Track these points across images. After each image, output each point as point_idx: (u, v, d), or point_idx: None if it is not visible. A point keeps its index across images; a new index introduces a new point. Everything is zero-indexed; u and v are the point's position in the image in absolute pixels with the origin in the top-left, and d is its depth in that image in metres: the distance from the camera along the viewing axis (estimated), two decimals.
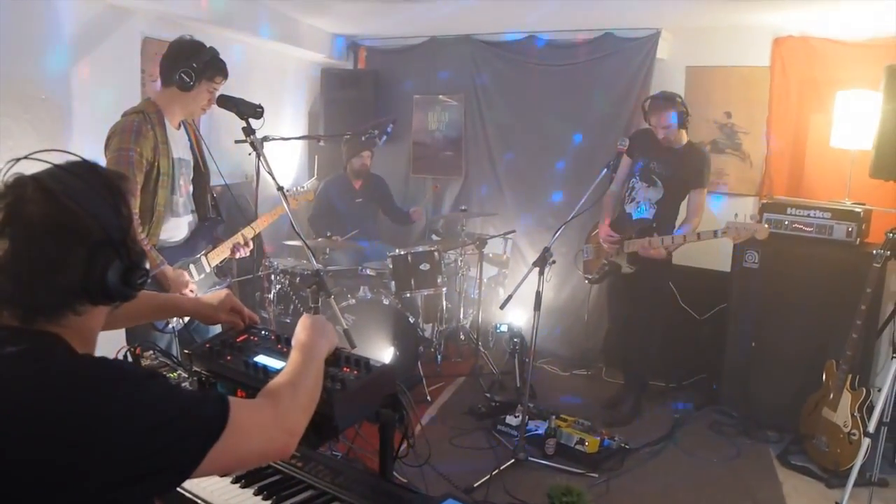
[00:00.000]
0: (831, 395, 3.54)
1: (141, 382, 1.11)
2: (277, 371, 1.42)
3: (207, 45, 2.89)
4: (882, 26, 4.29)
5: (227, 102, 2.81)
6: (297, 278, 4.45)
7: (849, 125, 4.10)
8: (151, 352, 2.02)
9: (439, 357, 4.94)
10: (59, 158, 1.16)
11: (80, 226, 1.09)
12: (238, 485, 1.63)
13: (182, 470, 1.10)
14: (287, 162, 5.80)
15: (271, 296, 4.19)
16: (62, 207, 1.08)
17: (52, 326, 1.11)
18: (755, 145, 4.93)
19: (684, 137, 4.11)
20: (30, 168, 1.13)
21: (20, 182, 1.09)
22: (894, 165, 3.64)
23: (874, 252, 3.38)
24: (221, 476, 1.65)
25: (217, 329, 2.91)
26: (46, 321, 1.11)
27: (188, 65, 2.79)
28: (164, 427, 1.07)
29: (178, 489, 1.56)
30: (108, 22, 3.87)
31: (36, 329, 1.10)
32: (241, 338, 1.75)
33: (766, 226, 3.67)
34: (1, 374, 1.06)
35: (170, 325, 2.77)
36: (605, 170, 3.76)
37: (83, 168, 1.17)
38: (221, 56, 2.92)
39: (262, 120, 2.79)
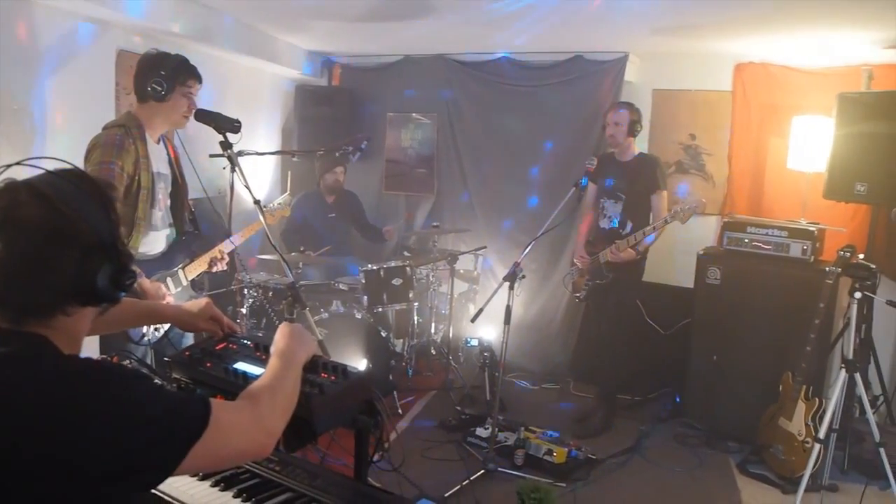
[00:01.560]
0: (787, 406, 3.68)
1: (128, 382, 1.16)
2: (257, 377, 1.48)
3: (173, 53, 2.94)
4: (835, 56, 4.53)
5: (205, 117, 2.84)
6: (270, 292, 4.49)
7: (804, 149, 4.32)
8: (128, 361, 2.05)
9: (410, 371, 5.00)
10: (48, 165, 1.20)
11: (73, 228, 1.13)
12: (217, 488, 1.67)
13: (165, 467, 1.14)
14: (260, 177, 5.85)
15: (244, 310, 4.21)
16: (55, 210, 1.12)
17: (41, 328, 1.15)
18: (718, 166, 5.12)
19: (634, 147, 4.34)
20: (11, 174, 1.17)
21: (13, 187, 1.13)
22: (845, 187, 3.84)
23: (827, 269, 3.54)
24: (201, 475, 1.69)
25: (190, 341, 2.97)
26: (36, 322, 1.14)
27: (157, 74, 2.83)
28: (150, 425, 1.11)
29: (160, 493, 1.60)
30: (84, 34, 3.90)
31: (25, 331, 1.14)
32: (221, 345, 1.80)
33: (704, 200, 3.95)
34: None
35: (145, 338, 2.80)
36: (574, 188, 3.90)
37: (73, 175, 1.22)
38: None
39: (239, 135, 2.84)
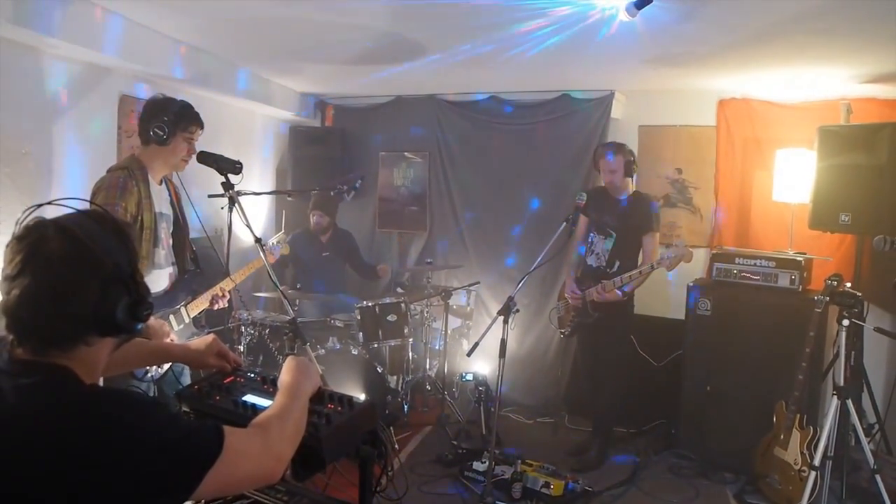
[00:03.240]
0: (782, 435, 3.72)
1: (147, 409, 1.22)
2: (266, 409, 1.52)
3: (178, 99, 3.03)
4: (814, 91, 4.68)
5: (206, 158, 2.92)
6: (267, 330, 4.52)
7: (788, 181, 4.42)
8: None
9: (406, 407, 5.01)
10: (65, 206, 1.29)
11: (95, 260, 1.20)
12: None
13: (184, 490, 1.19)
14: (255, 217, 5.91)
15: (242, 347, 4.25)
16: (79, 244, 1.19)
17: (63, 359, 1.20)
18: (705, 199, 5.22)
19: (630, 186, 4.37)
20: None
21: (41, 224, 1.21)
22: (830, 218, 3.94)
23: (815, 298, 3.61)
24: (215, 500, 1.72)
25: (188, 377, 3.00)
26: (59, 352, 1.20)
27: (160, 119, 2.93)
28: (169, 450, 1.17)
29: None
30: (88, 80, 3.99)
31: (48, 362, 1.19)
32: (228, 379, 1.84)
33: (691, 249, 3.95)
34: (17, 403, 1.15)
35: (148, 374, 2.83)
36: (565, 223, 3.96)
37: (97, 214, 1.31)
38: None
39: (240, 175, 2.92)
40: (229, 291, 3.23)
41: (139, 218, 2.85)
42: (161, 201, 3.02)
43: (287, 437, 1.41)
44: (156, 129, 2.92)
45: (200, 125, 3.06)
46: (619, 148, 4.31)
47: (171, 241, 3.09)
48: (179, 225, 3.15)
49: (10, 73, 3.47)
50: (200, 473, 1.19)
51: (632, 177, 4.34)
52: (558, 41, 3.84)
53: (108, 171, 2.91)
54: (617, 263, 4.29)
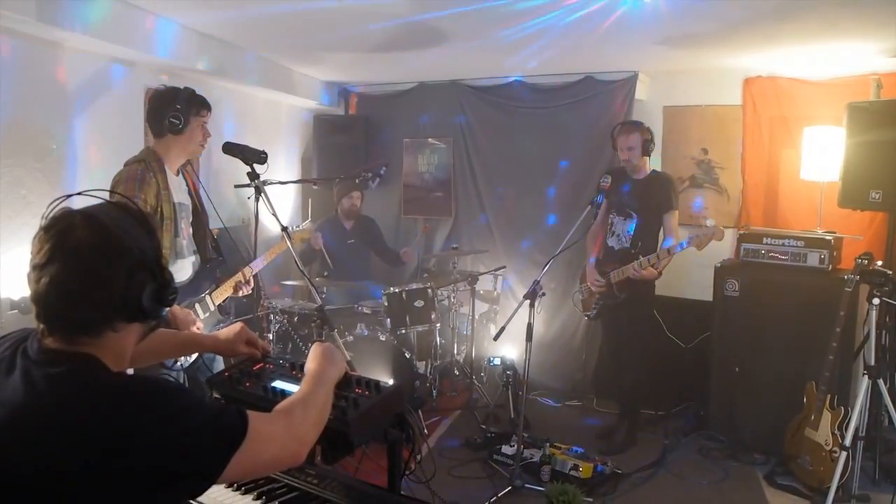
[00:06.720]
0: (812, 416, 3.69)
1: (173, 394, 1.25)
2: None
3: (181, 87, 3.07)
4: (843, 66, 4.58)
5: (232, 149, 2.96)
6: (296, 317, 4.58)
7: (816, 159, 4.36)
8: None
9: (434, 392, 5.04)
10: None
11: (122, 247, 1.24)
12: (259, 502, 1.74)
13: (210, 473, 1.22)
14: (282, 205, 5.97)
15: (271, 335, 4.30)
16: (106, 231, 1.23)
17: (91, 346, 1.24)
18: (732, 179, 5.16)
19: (648, 166, 4.35)
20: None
21: (69, 213, 1.25)
22: (860, 195, 3.88)
23: (845, 277, 3.56)
24: (243, 489, 1.77)
25: (220, 367, 3.06)
26: (87, 340, 1.23)
27: (173, 108, 2.96)
28: (195, 433, 1.20)
29: None
30: (113, 75, 4.07)
31: (76, 351, 1.23)
32: (258, 366, 1.88)
33: (721, 228, 3.90)
34: (47, 391, 1.19)
35: (178, 363, 2.89)
36: (590, 206, 3.95)
37: (121, 204, 1.35)
38: (219, 104, 3.11)
39: (265, 165, 2.96)
40: (253, 277, 3.27)
41: (159, 209, 2.88)
42: (179, 191, 3.06)
43: (311, 422, 1.44)
44: (171, 119, 2.95)
45: (209, 108, 3.10)
46: (637, 126, 4.29)
47: (191, 231, 3.14)
48: (198, 214, 3.19)
49: (37, 70, 3.55)
50: (226, 456, 1.22)
51: (649, 156, 4.31)
52: (579, 21, 3.80)
53: (126, 164, 2.95)
54: (639, 244, 4.26)
